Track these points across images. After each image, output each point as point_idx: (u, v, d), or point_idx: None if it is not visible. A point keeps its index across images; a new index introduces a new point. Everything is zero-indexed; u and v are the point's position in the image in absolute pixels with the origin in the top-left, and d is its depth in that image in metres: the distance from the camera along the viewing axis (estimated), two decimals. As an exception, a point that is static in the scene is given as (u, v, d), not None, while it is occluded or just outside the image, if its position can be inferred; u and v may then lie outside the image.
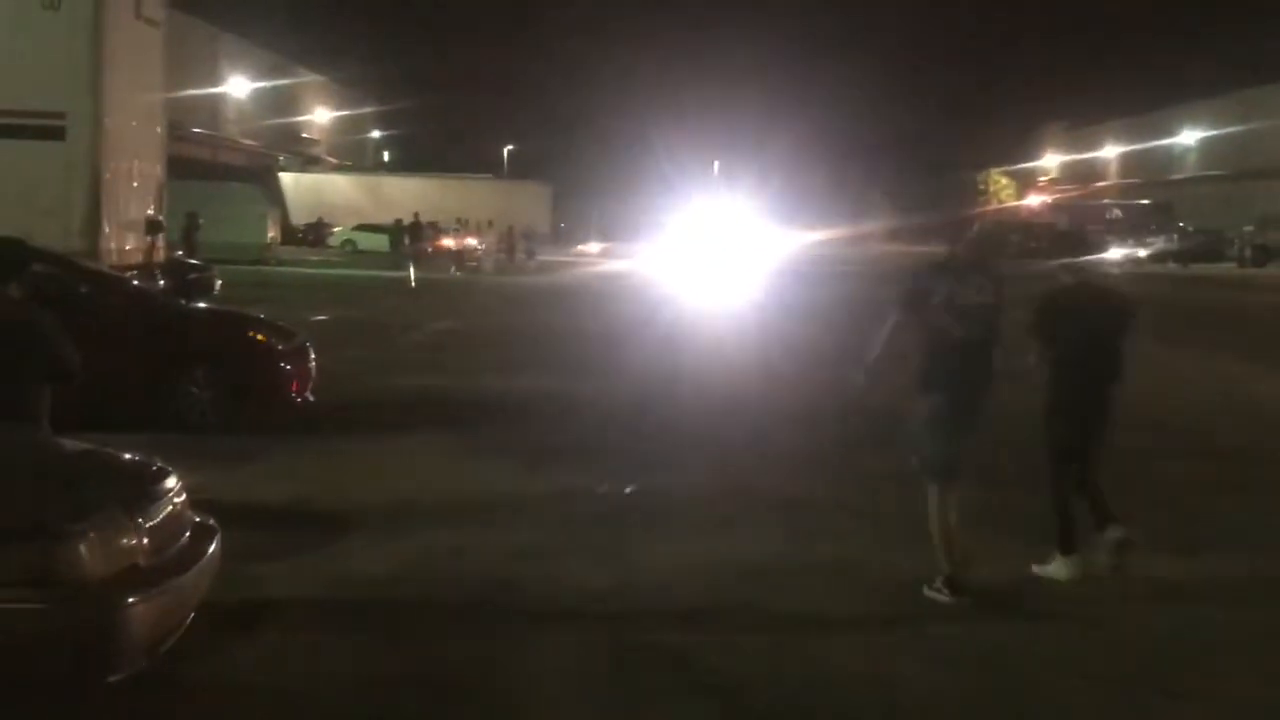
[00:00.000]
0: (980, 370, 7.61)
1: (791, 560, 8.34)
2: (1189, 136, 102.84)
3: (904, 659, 6.58)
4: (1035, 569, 7.96)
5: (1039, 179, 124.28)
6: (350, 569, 8.01)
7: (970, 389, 7.58)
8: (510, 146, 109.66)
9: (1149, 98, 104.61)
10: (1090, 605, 7.49)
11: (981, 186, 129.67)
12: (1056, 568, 7.89)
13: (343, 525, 9.02)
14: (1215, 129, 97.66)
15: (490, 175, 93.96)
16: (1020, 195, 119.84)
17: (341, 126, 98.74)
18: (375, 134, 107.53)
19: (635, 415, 13.97)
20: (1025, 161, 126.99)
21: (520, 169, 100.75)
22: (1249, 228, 66.57)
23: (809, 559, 8.38)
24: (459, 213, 69.30)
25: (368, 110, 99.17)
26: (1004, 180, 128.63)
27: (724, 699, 6.09)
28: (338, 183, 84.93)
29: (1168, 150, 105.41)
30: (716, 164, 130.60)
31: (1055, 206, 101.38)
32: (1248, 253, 63.66)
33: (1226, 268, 61.56)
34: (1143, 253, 68.84)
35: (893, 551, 8.40)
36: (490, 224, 70.69)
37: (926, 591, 7.48)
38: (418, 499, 9.90)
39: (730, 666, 6.45)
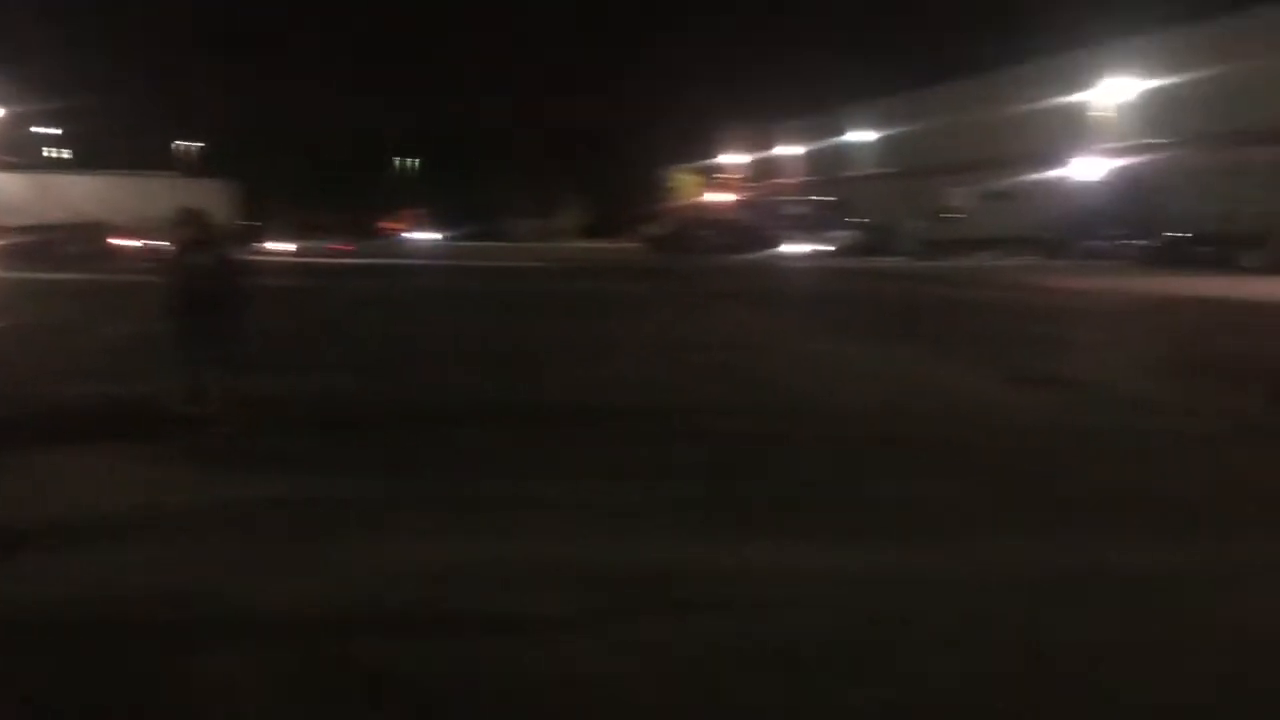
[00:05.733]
0: None
1: (495, 561, 8.18)
2: (863, 134, 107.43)
3: (610, 659, 6.52)
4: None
5: (724, 175, 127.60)
6: (18, 591, 7.45)
7: None
8: (200, 144, 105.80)
9: (824, 97, 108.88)
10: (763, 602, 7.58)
11: (669, 182, 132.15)
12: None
13: (10, 544, 8.39)
14: (885, 128, 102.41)
15: (175, 173, 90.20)
16: (707, 192, 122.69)
17: (13, 122, 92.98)
18: (51, 130, 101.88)
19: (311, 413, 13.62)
20: (710, 158, 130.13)
21: (215, 167, 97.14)
22: (918, 222, 70.09)
23: (514, 559, 8.24)
24: (137, 212, 66.26)
25: (43, 107, 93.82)
26: (690, 176, 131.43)
27: (418, 708, 5.92)
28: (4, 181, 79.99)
29: (842, 147, 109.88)
30: (398, 161, 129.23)
31: (740, 203, 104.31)
32: (918, 246, 66.96)
33: (901, 261, 64.56)
34: (822, 247, 71.63)
35: (598, 547, 8.39)
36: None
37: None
38: (95, 511, 9.30)
39: (429, 674, 6.26)
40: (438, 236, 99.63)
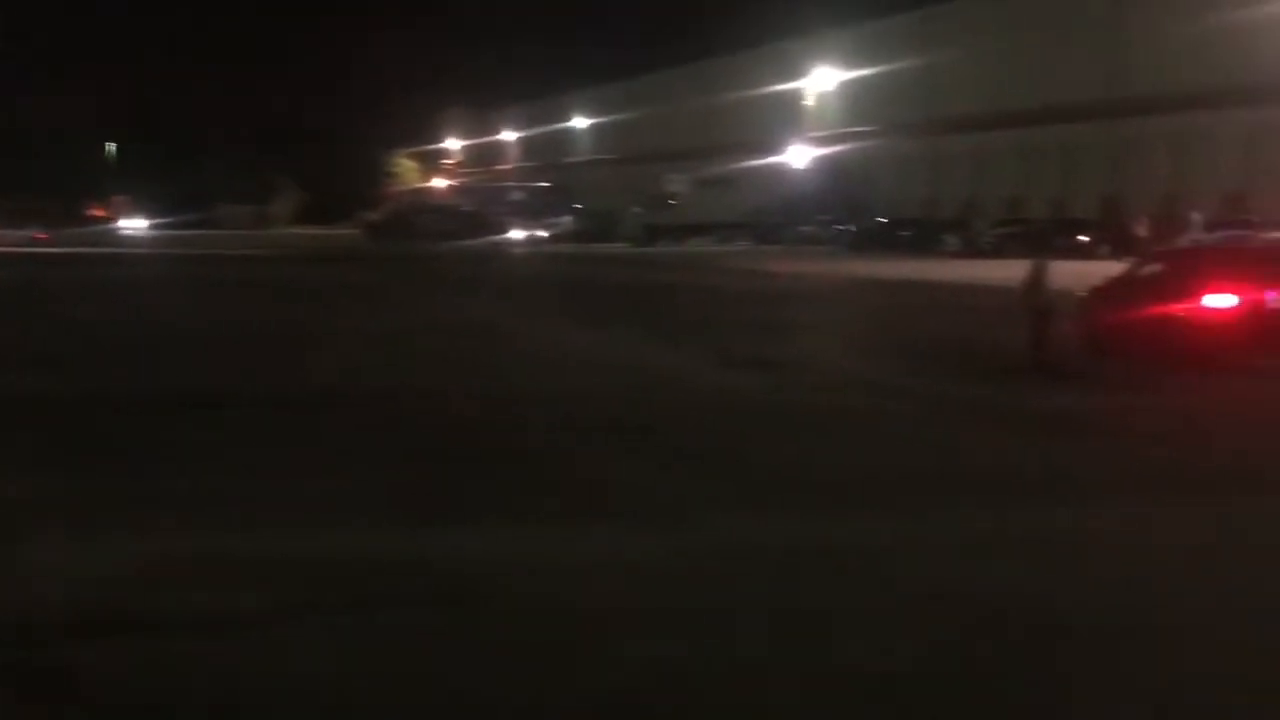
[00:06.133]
0: None
1: (201, 557, 7.68)
2: (582, 121, 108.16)
3: (313, 654, 6.15)
4: None
5: (444, 161, 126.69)
6: None
7: None
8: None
9: (545, 83, 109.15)
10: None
11: (389, 169, 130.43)
12: None
13: None
14: (605, 115, 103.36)
15: None
16: (427, 177, 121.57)
17: None
18: None
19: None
20: (431, 144, 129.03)
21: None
22: (638, 208, 70.93)
23: (220, 553, 7.76)
24: None
25: None
26: (410, 162, 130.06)
27: (105, 711, 5.47)
28: None
29: (563, 134, 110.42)
30: (111, 147, 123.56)
31: (461, 189, 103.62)
32: (638, 232, 67.73)
33: (620, 247, 65.19)
34: (543, 233, 71.71)
35: (303, 540, 8.00)
36: None
37: None
38: None
39: (115, 676, 5.79)
40: (145, 224, 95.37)
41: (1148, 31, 55.84)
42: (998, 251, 46.32)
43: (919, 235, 56.00)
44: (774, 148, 74.58)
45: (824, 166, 74.15)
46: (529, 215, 76.10)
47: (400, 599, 7.03)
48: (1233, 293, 15.54)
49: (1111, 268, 21.38)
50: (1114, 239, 45.75)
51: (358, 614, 6.76)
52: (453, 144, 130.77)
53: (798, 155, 73.89)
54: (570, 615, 6.79)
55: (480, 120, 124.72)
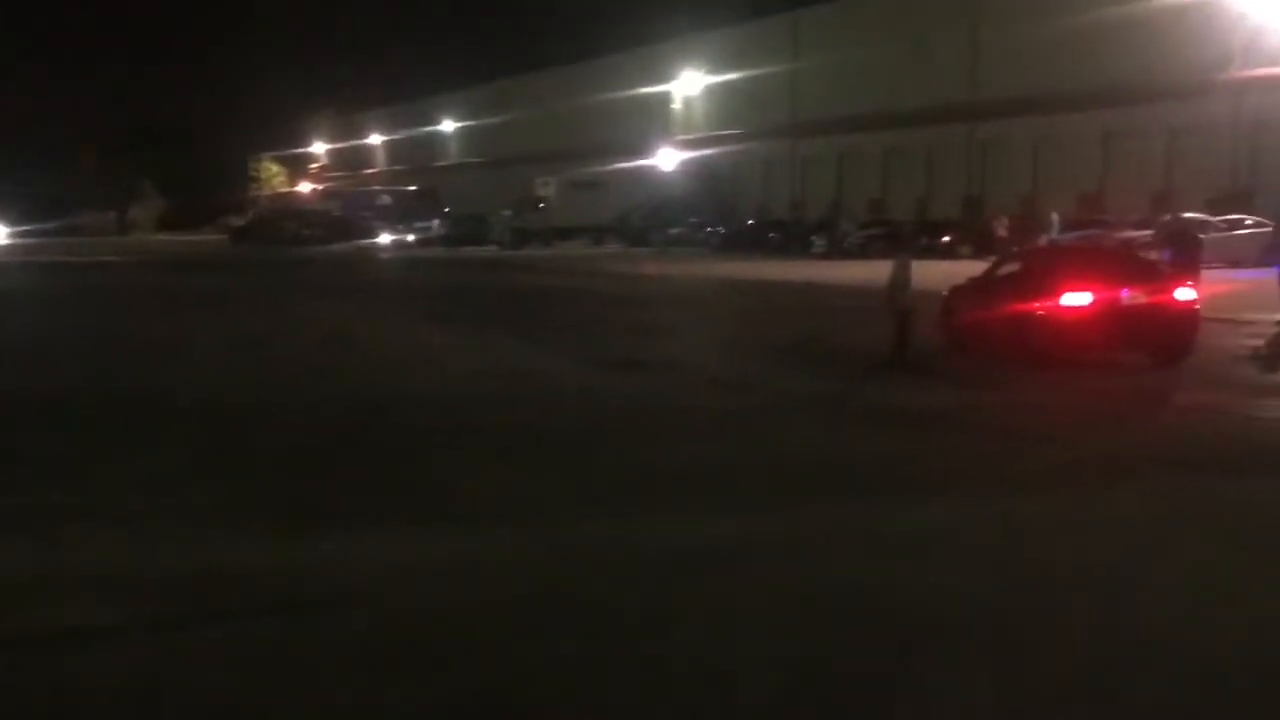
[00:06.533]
0: None
1: (38, 571, 7.45)
2: (451, 125, 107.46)
3: (175, 665, 6.00)
4: None
5: (310, 166, 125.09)
6: None
7: None
8: None
9: (412, 86, 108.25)
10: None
11: (253, 173, 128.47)
12: None
13: None
14: (474, 118, 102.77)
15: None
16: (292, 182, 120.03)
17: None
18: None
19: None
20: (296, 148, 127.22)
21: None
22: (507, 212, 70.65)
23: (61, 567, 7.53)
24: None
25: None
26: (275, 167, 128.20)
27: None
28: None
29: (432, 137, 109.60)
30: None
31: (327, 193, 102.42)
32: (508, 236, 67.46)
33: (489, 250, 64.91)
34: (412, 237, 71.10)
35: (164, 553, 7.80)
36: None
37: None
38: None
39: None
40: (3, 232, 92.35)
41: (1005, 35, 57.02)
42: (863, 252, 46.97)
43: (787, 236, 56.55)
44: (643, 150, 74.82)
45: (693, 169, 74.59)
46: (397, 219, 75.46)
47: (245, 608, 6.92)
48: (1088, 291, 15.91)
49: (973, 267, 21.77)
50: (975, 239, 46.60)
51: (204, 624, 6.64)
52: (319, 148, 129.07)
53: (667, 158, 74.22)
54: (418, 619, 6.74)
55: (347, 124, 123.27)
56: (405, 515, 8.95)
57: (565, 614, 6.83)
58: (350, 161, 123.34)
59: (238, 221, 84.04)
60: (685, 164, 74.59)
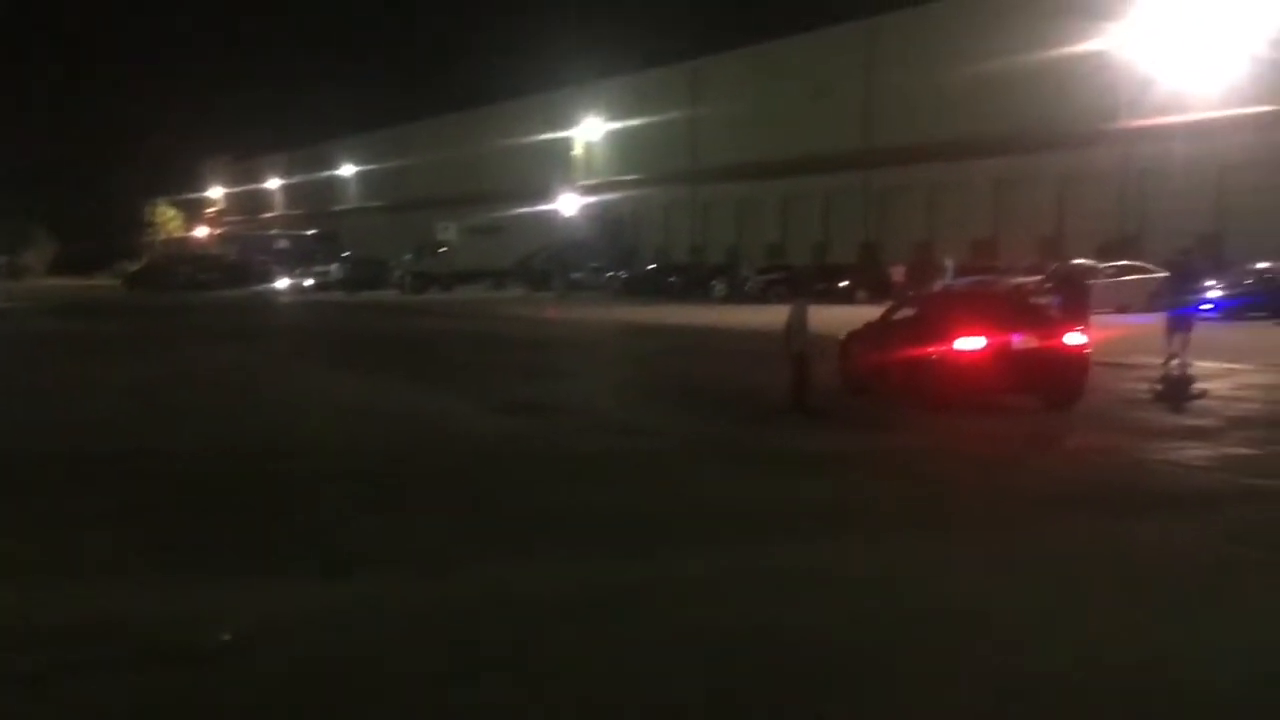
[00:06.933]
0: None
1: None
2: (350, 168, 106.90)
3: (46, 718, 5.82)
4: None
5: (207, 209, 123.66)
6: None
7: None
8: None
9: (312, 130, 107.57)
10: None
11: (149, 217, 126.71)
12: None
13: None
14: (375, 162, 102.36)
15: None
16: (189, 226, 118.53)
17: None
18: None
19: None
20: (192, 192, 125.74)
21: None
22: (408, 256, 70.26)
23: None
24: None
25: None
26: (171, 211, 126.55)
27: None
28: None
29: (331, 181, 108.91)
30: None
31: (225, 237, 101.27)
32: (408, 280, 67.05)
33: (389, 294, 64.45)
34: (310, 282, 70.45)
35: (27, 602, 7.57)
36: None
37: None
38: None
39: None
40: None
41: (901, 85, 58.08)
42: (763, 297, 47.35)
43: (688, 281, 56.84)
44: (545, 195, 74.93)
45: (594, 214, 74.81)
46: (295, 263, 74.74)
47: (119, 659, 6.77)
48: (981, 335, 16.15)
49: (869, 312, 22.02)
50: (872, 284, 47.23)
51: (77, 676, 6.48)
52: (216, 192, 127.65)
53: (568, 203, 74.39)
54: (297, 669, 6.63)
55: (245, 167, 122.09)
56: (289, 563, 8.79)
57: (451, 660, 6.74)
58: (248, 205, 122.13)
59: (132, 266, 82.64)
60: (586, 209, 74.80)
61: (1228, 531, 9.63)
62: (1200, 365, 20.53)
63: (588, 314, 43.45)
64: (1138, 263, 40.69)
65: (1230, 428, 14.99)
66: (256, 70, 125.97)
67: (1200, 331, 21.37)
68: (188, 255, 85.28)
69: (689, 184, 72.59)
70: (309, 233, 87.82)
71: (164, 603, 7.78)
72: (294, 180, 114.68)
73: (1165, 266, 30.71)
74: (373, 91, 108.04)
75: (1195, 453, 13.23)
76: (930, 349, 16.43)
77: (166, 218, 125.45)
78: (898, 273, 48.10)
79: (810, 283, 40.11)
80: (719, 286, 53.71)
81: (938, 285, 40.84)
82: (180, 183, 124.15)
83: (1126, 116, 47.07)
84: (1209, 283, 30.18)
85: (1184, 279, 21.87)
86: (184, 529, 9.92)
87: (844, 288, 47.93)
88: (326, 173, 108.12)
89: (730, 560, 8.76)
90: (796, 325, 16.64)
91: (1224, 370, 20.30)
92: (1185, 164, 45.56)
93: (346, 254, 77.75)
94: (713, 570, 8.49)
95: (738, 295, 51.02)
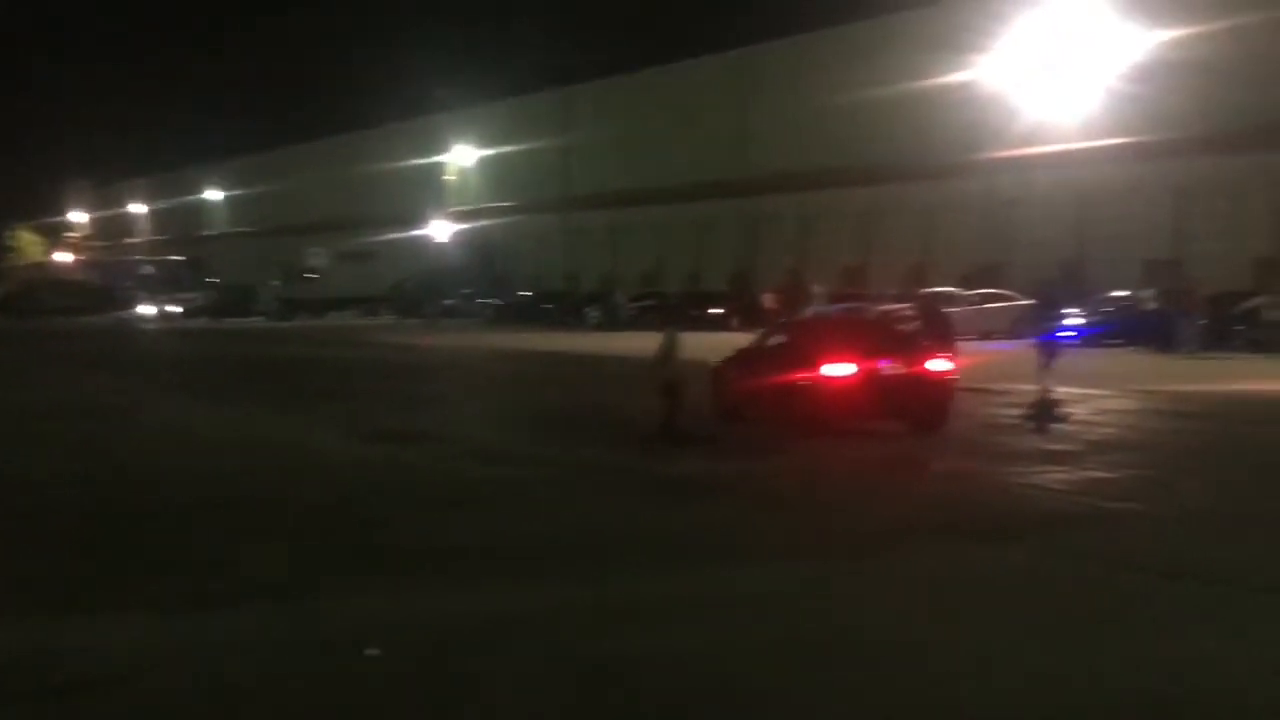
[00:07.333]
0: None
1: None
2: (217, 194, 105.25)
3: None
4: None
5: (68, 235, 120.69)
6: None
7: None
8: None
9: (178, 154, 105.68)
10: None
11: (9, 243, 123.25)
12: None
13: None
14: (243, 187, 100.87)
15: None
16: (50, 251, 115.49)
17: None
18: None
19: None
20: (54, 216, 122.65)
21: None
22: (276, 282, 69.27)
23: None
24: None
25: None
26: (32, 236, 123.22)
27: None
28: None
29: (198, 206, 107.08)
30: None
31: (88, 263, 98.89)
32: (275, 306, 66.12)
33: (257, 321, 63.46)
34: (176, 308, 69.05)
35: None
36: None
37: None
38: None
39: None
40: None
41: (773, 115, 58.83)
42: (636, 323, 47.47)
43: (561, 308, 56.84)
44: (416, 221, 74.44)
45: (466, 240, 74.49)
46: (160, 289, 73.15)
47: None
48: (850, 362, 16.35)
49: (741, 338, 22.18)
50: (744, 311, 47.60)
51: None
52: (79, 216, 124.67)
53: (440, 229, 73.96)
54: (161, 703, 6.46)
55: (109, 192, 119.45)
56: (148, 597, 8.57)
57: (316, 693, 6.63)
58: (112, 231, 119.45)
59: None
60: (459, 235, 74.46)
61: (1085, 553, 9.83)
62: (1059, 391, 21.01)
63: (460, 341, 43.19)
64: (1002, 290, 41.63)
65: (1089, 452, 15.35)
66: (120, 93, 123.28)
67: (1062, 358, 21.87)
68: (49, 281, 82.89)
69: (562, 211, 72.65)
70: (175, 258, 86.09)
71: (25, 638, 7.55)
72: (160, 205, 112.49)
73: (1029, 294, 31.49)
74: (242, 115, 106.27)
75: (1056, 476, 13.52)
76: (800, 375, 16.58)
77: (27, 242, 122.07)
78: (769, 300, 48.53)
79: (683, 309, 40.34)
80: (593, 314, 53.77)
81: (808, 312, 41.25)
82: (41, 207, 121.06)
83: (991, 148, 48.18)
84: (1070, 310, 30.90)
85: (1048, 306, 22.37)
86: (44, 562, 9.63)
87: (717, 314, 48.24)
88: (194, 197, 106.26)
89: (598, 590, 8.72)
90: (668, 352, 16.68)
91: (1083, 395, 20.79)
92: (1047, 194, 46.80)
93: (213, 280, 76.40)
94: (578, 600, 8.44)
95: (611, 322, 51.10)
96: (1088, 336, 33.82)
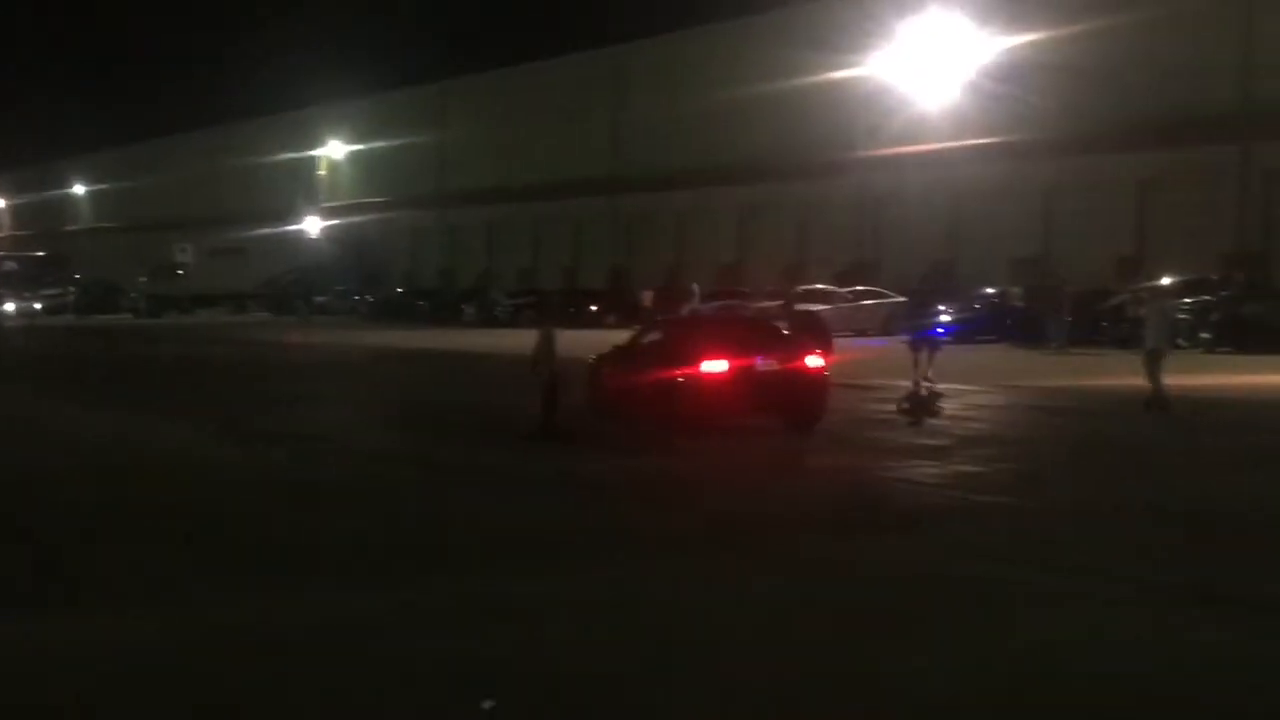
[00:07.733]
0: None
1: None
2: (82, 188, 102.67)
3: None
4: None
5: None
6: None
7: None
8: None
9: (39, 147, 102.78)
10: None
11: None
12: None
13: None
14: (109, 182, 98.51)
15: None
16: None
17: None
18: None
19: None
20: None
21: None
22: (143, 279, 67.79)
23: None
24: None
25: None
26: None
27: None
28: None
29: (62, 200, 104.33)
30: None
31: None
32: (143, 303, 64.72)
33: (124, 318, 62.06)
34: (39, 305, 67.17)
35: None
36: None
37: None
38: None
39: None
40: None
41: (649, 113, 58.92)
42: (513, 321, 47.27)
43: (437, 305, 56.38)
44: (288, 217, 73.30)
45: (340, 236, 73.56)
46: (22, 286, 71.04)
47: None
48: (726, 359, 16.35)
49: (618, 335, 22.11)
50: (621, 308, 47.64)
51: None
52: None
53: (312, 225, 72.92)
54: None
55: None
56: (13, 600, 8.27)
57: (190, 694, 6.43)
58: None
59: None
60: (332, 231, 73.50)
61: (954, 546, 9.92)
62: (937, 385, 21.29)
63: (333, 338, 42.61)
64: (875, 288, 42.14)
65: (959, 446, 15.55)
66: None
67: (938, 354, 22.15)
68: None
69: (437, 207, 72.05)
70: (38, 254, 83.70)
71: None
72: (22, 199, 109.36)
73: (903, 292, 31.87)
74: (109, 108, 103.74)
75: (927, 470, 13.66)
76: (676, 372, 16.54)
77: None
78: (646, 297, 48.63)
79: (560, 307, 40.21)
80: (469, 310, 53.42)
81: (685, 310, 41.38)
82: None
83: (864, 147, 48.74)
84: (943, 307, 31.36)
85: (922, 303, 22.64)
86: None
87: (594, 312, 48.21)
88: (59, 192, 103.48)
89: (465, 589, 8.61)
90: (545, 349, 16.55)
91: (954, 391, 21.07)
92: (920, 193, 47.45)
93: (78, 276, 74.49)
94: (445, 599, 8.31)
95: (488, 319, 50.80)
96: (959, 333, 34.34)
